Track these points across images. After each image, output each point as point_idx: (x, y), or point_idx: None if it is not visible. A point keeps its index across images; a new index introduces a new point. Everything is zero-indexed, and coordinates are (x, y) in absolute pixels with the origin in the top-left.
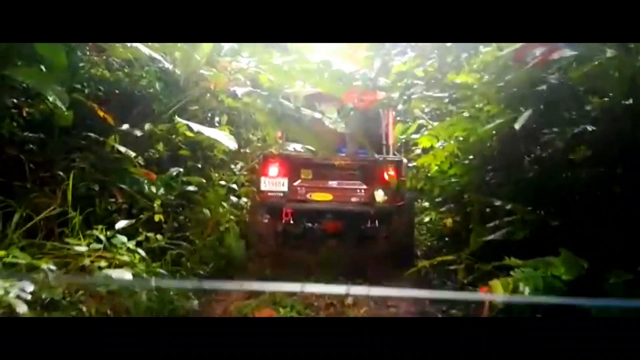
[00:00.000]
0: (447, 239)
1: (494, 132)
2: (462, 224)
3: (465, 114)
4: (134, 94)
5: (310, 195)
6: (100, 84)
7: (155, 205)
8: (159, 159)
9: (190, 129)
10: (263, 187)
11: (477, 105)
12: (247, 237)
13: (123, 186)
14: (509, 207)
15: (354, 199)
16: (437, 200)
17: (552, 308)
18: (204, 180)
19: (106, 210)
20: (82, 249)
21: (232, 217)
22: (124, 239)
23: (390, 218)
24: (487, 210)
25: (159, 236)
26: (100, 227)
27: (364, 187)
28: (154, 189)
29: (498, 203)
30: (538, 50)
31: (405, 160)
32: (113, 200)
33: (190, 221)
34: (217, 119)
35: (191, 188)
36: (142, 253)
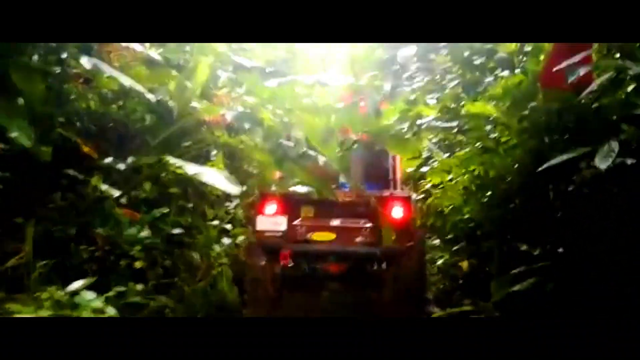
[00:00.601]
0: (461, 281)
1: (515, 165)
2: (478, 266)
3: (478, 145)
4: (125, 128)
5: (311, 235)
6: (90, 117)
7: (134, 250)
8: (147, 198)
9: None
10: (259, 227)
11: (492, 136)
12: (241, 281)
13: (99, 230)
14: (536, 252)
15: (358, 239)
16: (448, 237)
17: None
18: (190, 220)
19: (81, 257)
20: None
21: (225, 260)
22: (90, 295)
23: (399, 259)
24: (506, 250)
25: (139, 286)
26: (54, 287)
27: (370, 225)
28: (134, 231)
29: (524, 248)
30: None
31: (414, 196)
32: (86, 247)
33: (177, 266)
34: (214, 152)
35: (177, 231)
36: (112, 312)
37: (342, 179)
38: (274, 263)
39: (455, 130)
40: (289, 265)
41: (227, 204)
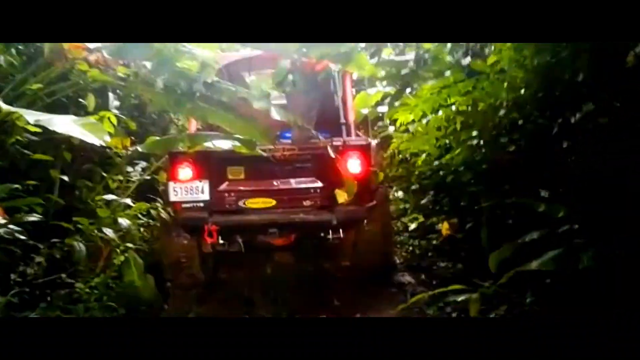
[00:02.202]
0: (434, 241)
1: (507, 94)
2: (459, 225)
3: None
4: None
5: (244, 203)
6: None
7: None
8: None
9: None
10: (173, 197)
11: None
12: (158, 268)
13: None
14: (561, 214)
15: (307, 203)
16: (413, 188)
17: None
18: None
19: None
20: None
21: (129, 244)
22: None
23: (359, 224)
24: (501, 208)
25: None
26: None
27: (320, 185)
28: None
29: (542, 208)
30: None
31: (373, 143)
32: None
33: (62, 261)
34: (115, 102)
35: (32, 218)
36: None
37: (275, 115)
38: (201, 240)
39: (411, 62)
40: (219, 243)
41: (130, 169)
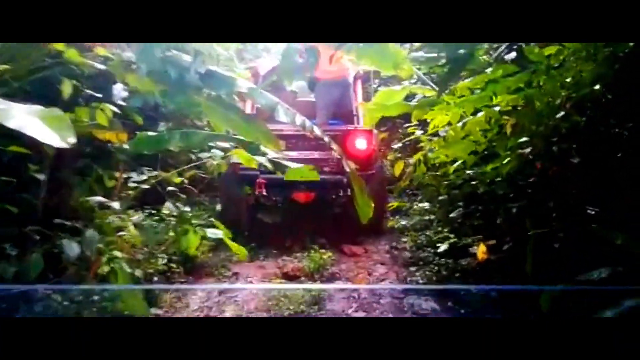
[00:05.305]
0: (463, 262)
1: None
2: (496, 246)
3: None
4: None
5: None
6: None
7: None
8: None
9: None
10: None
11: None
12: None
13: None
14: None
15: (326, 169)
16: (440, 199)
17: None
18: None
19: None
20: None
21: (117, 252)
22: None
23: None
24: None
25: None
26: None
27: (337, 156)
28: None
29: (620, 241)
30: None
31: (375, 131)
32: None
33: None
34: (123, 92)
35: None
36: None
37: (282, 116)
38: (248, 195)
39: (444, 61)
40: (262, 194)
41: (135, 175)
